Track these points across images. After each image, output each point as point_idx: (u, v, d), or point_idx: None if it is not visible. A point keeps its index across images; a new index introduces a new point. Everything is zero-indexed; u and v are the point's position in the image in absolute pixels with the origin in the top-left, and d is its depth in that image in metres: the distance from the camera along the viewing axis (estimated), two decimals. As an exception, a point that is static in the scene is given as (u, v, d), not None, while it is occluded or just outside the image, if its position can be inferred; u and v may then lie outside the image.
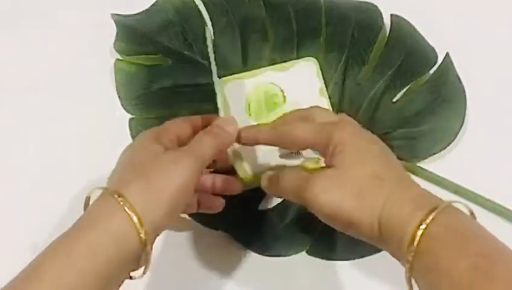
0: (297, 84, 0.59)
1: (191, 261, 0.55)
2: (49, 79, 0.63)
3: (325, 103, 0.58)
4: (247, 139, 0.49)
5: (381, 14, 0.64)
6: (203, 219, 0.55)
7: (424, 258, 0.38)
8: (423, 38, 0.63)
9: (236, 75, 0.59)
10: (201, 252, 0.55)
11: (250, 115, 0.57)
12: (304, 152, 0.54)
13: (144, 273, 0.43)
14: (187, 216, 0.55)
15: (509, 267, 0.36)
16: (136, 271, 0.43)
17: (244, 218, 0.55)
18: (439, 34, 0.63)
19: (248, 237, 0.54)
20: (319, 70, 0.59)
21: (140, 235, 0.40)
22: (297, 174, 0.46)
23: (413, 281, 0.40)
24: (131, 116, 0.60)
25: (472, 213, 0.41)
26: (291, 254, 0.54)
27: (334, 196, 0.42)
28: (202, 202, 0.51)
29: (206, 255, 0.55)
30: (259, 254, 0.54)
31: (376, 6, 0.65)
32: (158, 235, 0.43)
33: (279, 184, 0.47)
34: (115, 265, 0.39)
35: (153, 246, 0.55)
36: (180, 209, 0.44)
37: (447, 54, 0.61)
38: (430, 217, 0.38)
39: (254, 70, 0.60)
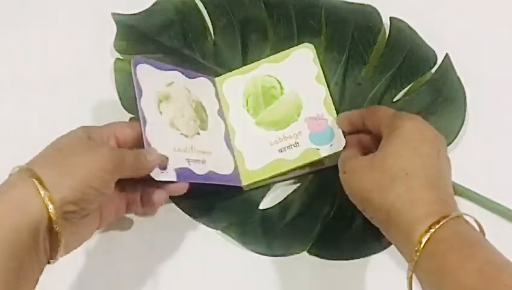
0: (294, 72, 0.59)
1: (190, 261, 0.55)
2: (49, 79, 0.63)
3: (323, 90, 0.58)
4: (341, 121, 0.55)
5: (380, 16, 0.64)
6: (204, 218, 0.55)
7: (430, 259, 0.39)
8: (422, 40, 0.63)
9: (232, 72, 0.60)
10: (201, 252, 0.55)
11: (248, 110, 0.57)
12: (301, 143, 0.55)
13: (60, 254, 0.43)
14: (188, 216, 0.55)
15: None
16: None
17: (244, 218, 0.55)
18: (439, 35, 0.63)
19: (248, 237, 0.54)
20: (316, 56, 0.59)
21: (45, 200, 0.40)
22: (368, 140, 0.52)
23: (414, 280, 0.40)
24: (131, 115, 0.59)
25: (481, 228, 0.42)
26: (291, 254, 0.53)
27: (357, 180, 0.47)
28: (144, 199, 0.52)
29: (206, 255, 0.55)
30: (259, 253, 0.54)
31: (375, 8, 0.65)
32: (67, 214, 0.42)
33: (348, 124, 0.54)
34: (21, 231, 0.39)
35: (152, 245, 0.55)
36: (92, 196, 0.44)
37: (447, 55, 0.61)
38: (441, 223, 0.40)
39: (250, 65, 0.60)
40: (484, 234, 0.42)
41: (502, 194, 0.55)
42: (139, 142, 0.50)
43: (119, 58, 0.63)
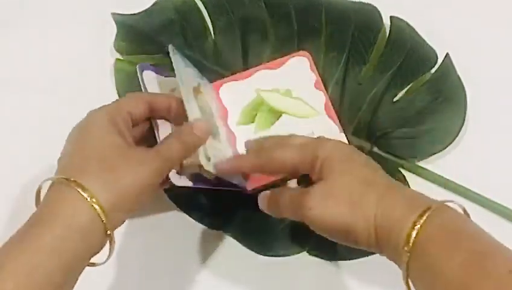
0: (291, 80, 0.58)
1: (190, 260, 0.55)
2: (49, 79, 0.63)
3: (322, 96, 0.58)
4: (229, 171, 0.49)
5: (380, 15, 0.64)
6: (204, 218, 0.55)
7: (419, 259, 0.38)
8: (423, 39, 0.63)
9: (228, 78, 0.59)
10: (201, 252, 0.55)
11: (251, 120, 0.57)
12: None
13: (106, 260, 0.43)
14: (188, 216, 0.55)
15: (502, 261, 0.36)
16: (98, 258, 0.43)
17: (244, 218, 0.55)
18: (439, 34, 0.63)
19: (249, 237, 0.54)
20: (313, 63, 0.59)
21: (107, 230, 0.40)
22: (291, 192, 0.47)
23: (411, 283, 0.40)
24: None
25: (465, 211, 0.41)
26: (291, 254, 0.53)
27: (327, 209, 0.43)
28: None
29: (206, 255, 0.55)
30: (259, 253, 0.54)
31: (375, 7, 0.65)
32: (117, 228, 0.43)
33: (277, 205, 0.47)
34: (81, 259, 0.40)
35: (152, 245, 0.55)
36: (141, 207, 0.44)
37: (447, 54, 0.61)
38: (423, 218, 0.38)
39: (246, 71, 0.59)
40: (468, 215, 0.41)
41: (502, 194, 0.55)
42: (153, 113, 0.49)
43: (119, 59, 0.63)
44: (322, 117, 0.57)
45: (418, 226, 0.38)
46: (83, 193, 0.39)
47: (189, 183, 0.50)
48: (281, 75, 0.59)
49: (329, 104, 0.57)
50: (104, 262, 0.43)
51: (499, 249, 0.37)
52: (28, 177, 0.58)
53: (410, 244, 0.38)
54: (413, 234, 0.38)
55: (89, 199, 0.39)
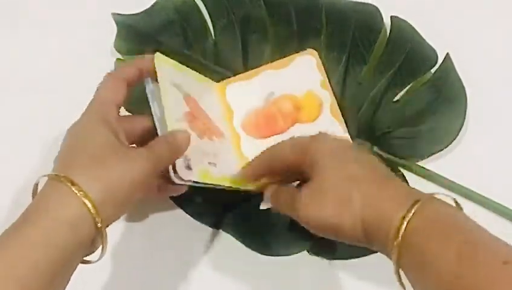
0: (297, 80, 0.58)
1: (191, 260, 0.55)
2: (49, 79, 0.63)
3: (328, 96, 0.58)
4: (248, 179, 0.51)
5: (381, 14, 0.64)
6: (205, 217, 0.55)
7: (409, 252, 0.38)
8: (423, 39, 0.63)
9: (233, 78, 0.59)
10: (201, 252, 0.55)
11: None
12: None
13: (100, 258, 0.43)
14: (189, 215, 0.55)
15: (494, 252, 0.36)
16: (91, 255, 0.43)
17: (245, 217, 0.55)
18: (440, 34, 0.63)
19: (249, 237, 0.54)
20: (319, 61, 0.59)
21: (97, 223, 0.40)
22: (287, 190, 0.48)
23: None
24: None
25: (457, 203, 0.41)
26: (292, 253, 0.53)
27: (314, 210, 0.44)
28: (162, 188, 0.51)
29: (207, 254, 0.55)
30: (260, 253, 0.54)
31: (376, 7, 0.65)
32: (109, 224, 0.43)
33: (278, 202, 0.49)
34: (70, 252, 0.39)
35: (152, 245, 0.55)
36: (132, 204, 0.44)
37: (448, 54, 0.61)
38: (412, 211, 0.38)
39: (252, 71, 0.59)
40: (461, 208, 0.40)
41: (502, 193, 0.55)
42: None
43: (119, 58, 0.63)
44: (327, 117, 0.57)
45: (407, 219, 0.38)
46: (72, 187, 0.40)
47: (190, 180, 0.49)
48: (287, 75, 0.58)
49: (335, 104, 0.57)
50: (98, 259, 0.43)
51: (491, 239, 0.37)
52: (27, 176, 0.58)
53: (400, 237, 0.38)
54: (403, 227, 0.38)
55: (77, 192, 0.39)
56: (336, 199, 0.43)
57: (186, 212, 0.55)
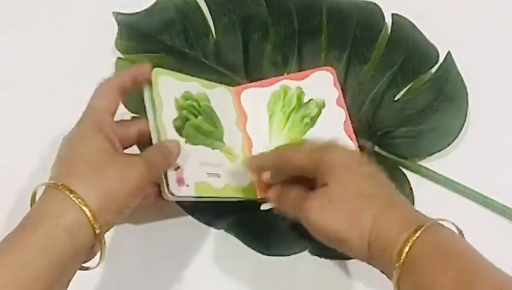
0: (314, 94, 0.58)
1: (191, 260, 0.55)
2: (50, 78, 0.63)
3: (342, 114, 0.57)
4: (256, 167, 0.52)
5: (382, 13, 0.64)
6: (206, 217, 0.55)
7: (409, 275, 0.39)
8: (424, 37, 0.63)
9: (250, 84, 0.59)
10: (201, 252, 0.55)
11: (270, 125, 0.57)
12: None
13: (98, 264, 0.43)
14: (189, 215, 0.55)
15: (491, 281, 0.37)
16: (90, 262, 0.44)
17: (246, 217, 0.55)
18: (441, 33, 0.63)
19: (249, 236, 0.54)
20: (336, 79, 0.59)
21: (95, 229, 0.41)
22: (295, 192, 0.49)
23: None
24: (132, 115, 0.60)
25: (459, 229, 0.42)
26: (292, 253, 0.54)
27: (325, 216, 0.44)
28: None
29: (207, 254, 0.55)
30: (261, 253, 0.54)
31: (377, 5, 0.64)
32: (108, 230, 0.43)
33: (281, 201, 0.50)
34: (70, 258, 0.40)
35: (152, 244, 0.55)
36: (129, 210, 0.45)
37: (449, 53, 0.61)
38: (416, 235, 0.39)
39: (269, 79, 0.59)
40: (463, 235, 0.41)
41: (503, 193, 0.55)
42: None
43: (120, 58, 0.63)
44: (341, 136, 0.56)
45: (410, 243, 0.39)
46: (70, 195, 0.40)
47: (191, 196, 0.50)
48: (304, 87, 0.58)
49: (349, 121, 0.57)
50: (97, 266, 0.43)
51: (488, 269, 0.38)
52: (28, 177, 0.58)
53: (401, 260, 0.39)
54: (405, 250, 0.39)
55: (76, 200, 0.40)
56: (348, 213, 0.43)
57: (188, 213, 0.55)
